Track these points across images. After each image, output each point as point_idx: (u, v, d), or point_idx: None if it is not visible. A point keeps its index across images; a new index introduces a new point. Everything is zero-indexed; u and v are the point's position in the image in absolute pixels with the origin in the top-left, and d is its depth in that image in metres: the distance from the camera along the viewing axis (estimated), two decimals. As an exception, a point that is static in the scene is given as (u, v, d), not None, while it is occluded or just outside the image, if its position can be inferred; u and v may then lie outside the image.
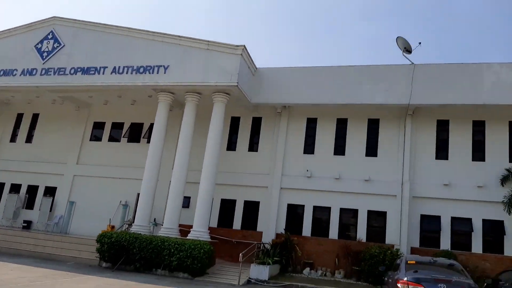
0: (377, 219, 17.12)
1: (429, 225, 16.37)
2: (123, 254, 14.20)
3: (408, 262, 9.55)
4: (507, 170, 15.66)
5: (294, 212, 18.04)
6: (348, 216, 17.47)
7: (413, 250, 15.79)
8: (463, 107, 16.19)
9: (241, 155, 19.44)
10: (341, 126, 18.62)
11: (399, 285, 8.58)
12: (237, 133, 19.94)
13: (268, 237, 17.25)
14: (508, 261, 14.74)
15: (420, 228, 16.44)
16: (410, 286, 8.41)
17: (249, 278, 13.99)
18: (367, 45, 57.77)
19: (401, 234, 16.15)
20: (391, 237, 16.45)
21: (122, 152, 21.02)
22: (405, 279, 8.56)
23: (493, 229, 15.79)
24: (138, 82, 17.55)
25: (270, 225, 17.67)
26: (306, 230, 17.56)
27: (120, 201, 19.86)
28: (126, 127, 21.51)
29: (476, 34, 55.58)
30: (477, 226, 15.85)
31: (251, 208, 18.59)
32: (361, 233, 16.92)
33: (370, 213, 17.18)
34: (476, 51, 56.72)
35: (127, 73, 17.78)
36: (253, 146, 19.60)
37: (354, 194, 17.41)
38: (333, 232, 17.25)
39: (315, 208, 17.82)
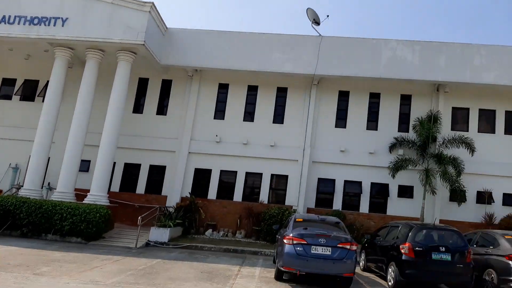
0: (280, 182, 18.00)
1: (325, 188, 17.66)
2: (9, 219, 13.15)
3: (296, 220, 10.19)
4: (395, 138, 17.31)
5: (201, 176, 18.15)
6: (253, 179, 18.09)
7: (309, 210, 16.95)
8: (363, 79, 17.35)
9: (148, 118, 18.81)
10: (252, 93, 18.87)
11: (285, 240, 9.14)
12: (145, 95, 19.18)
13: (173, 201, 17.22)
14: (389, 219, 16.52)
15: (317, 190, 17.67)
16: (294, 241, 9.00)
17: (148, 241, 13.92)
18: (285, 14, 58.56)
19: (299, 196, 17.21)
20: (290, 199, 17.45)
21: (14, 111, 19.09)
22: (291, 235, 9.15)
23: (379, 192, 17.55)
24: (32, 34, 15.94)
25: (176, 189, 17.62)
26: (212, 193, 17.85)
27: (10, 164, 18.18)
28: (18, 83, 19.45)
29: (385, 10, 59.31)
30: (366, 188, 17.48)
31: (157, 173, 18.31)
32: (264, 195, 17.70)
33: (274, 176, 17.98)
34: (382, 27, 60.68)
35: (19, 23, 16.02)
36: (162, 109, 19.05)
37: (260, 159, 18.00)
38: (238, 195, 17.78)
39: (222, 172, 18.12)
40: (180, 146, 18.14)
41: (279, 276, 9.54)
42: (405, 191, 17.37)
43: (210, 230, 16.36)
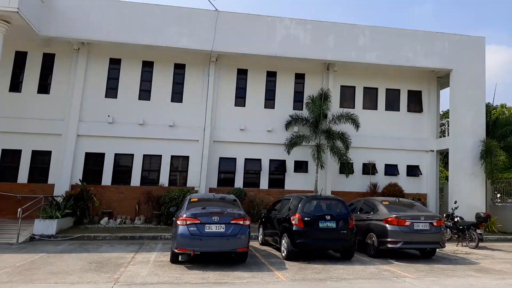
0: (180, 163, 17.57)
1: (226, 167, 17.75)
2: None
3: (191, 200, 10.01)
4: (291, 116, 18.00)
5: (94, 161, 16.84)
6: (152, 162, 17.35)
7: (211, 190, 16.91)
8: (259, 57, 17.53)
9: (28, 97, 16.73)
10: (147, 69, 17.88)
11: (178, 222, 8.92)
12: (24, 72, 16.97)
13: (61, 190, 15.71)
14: (287, 194, 17.36)
15: (219, 170, 17.68)
16: (188, 222, 8.83)
17: (33, 234, 12.55)
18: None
19: (201, 177, 17.04)
20: (192, 180, 17.20)
21: None
22: (184, 215, 8.95)
23: (277, 168, 18.23)
24: None
25: (64, 176, 16.10)
26: (107, 179, 16.71)
27: None
28: None
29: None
30: (265, 165, 18.01)
31: (42, 159, 16.50)
32: (164, 178, 17.14)
33: (174, 158, 17.47)
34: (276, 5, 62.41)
35: None
36: (45, 87, 17.08)
37: (158, 140, 17.29)
38: (136, 179, 16.94)
39: (117, 156, 17.02)
40: (67, 128, 16.52)
41: (174, 259, 9.33)
42: (301, 166, 18.30)
43: (106, 219, 15.35)
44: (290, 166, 18.20)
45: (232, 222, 8.92)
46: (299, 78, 18.87)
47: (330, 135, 16.92)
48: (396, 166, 19.18)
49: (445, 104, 35.13)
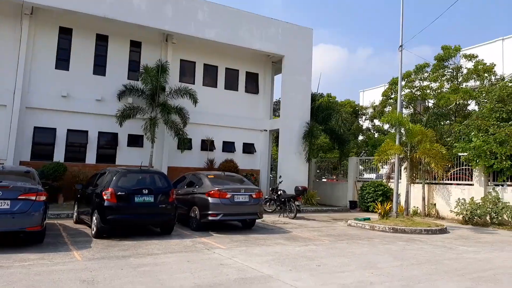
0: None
1: (44, 138, 15.39)
2: None
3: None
4: (124, 86, 16.56)
5: None
6: None
7: (23, 164, 14.38)
8: (87, 17, 15.44)
9: None
10: None
11: None
12: None
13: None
14: (118, 169, 16.08)
15: (33, 141, 15.19)
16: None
17: None
18: None
19: (8, 148, 14.31)
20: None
21: None
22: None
23: (108, 141, 16.66)
24: None
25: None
26: None
27: None
28: None
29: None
30: (93, 138, 16.25)
31: None
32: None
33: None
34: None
35: None
36: None
37: None
38: None
39: None
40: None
41: None
42: (135, 140, 17.14)
43: None
44: (123, 140, 16.84)
45: (20, 197, 7.43)
46: (135, 46, 17.47)
47: (165, 109, 16.14)
48: (233, 143, 19.68)
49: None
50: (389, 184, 18.00)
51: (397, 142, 13.85)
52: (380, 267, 7.23)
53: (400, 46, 13.95)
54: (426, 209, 16.65)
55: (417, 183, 17.08)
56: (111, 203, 8.91)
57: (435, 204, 16.60)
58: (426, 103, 23.18)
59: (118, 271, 6.29)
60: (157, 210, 9.49)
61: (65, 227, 10.63)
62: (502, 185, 14.25)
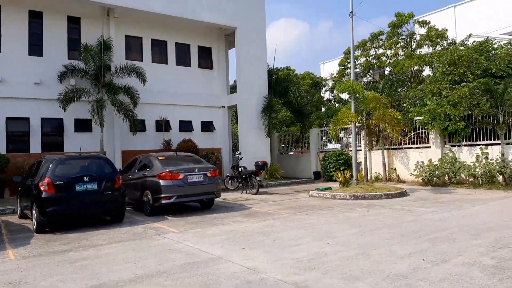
0: None
1: (-22, 129, 14.06)
2: None
3: None
4: (65, 66, 15.34)
5: None
6: None
7: (-44, 160, 13.15)
8: (17, -8, 14.04)
9: None
10: None
11: None
12: None
13: None
14: (66, 157, 15.06)
15: (-35, 133, 13.88)
16: None
17: None
18: None
19: None
20: None
21: None
22: None
23: (53, 128, 15.52)
24: None
25: None
26: None
27: None
28: None
29: None
30: (36, 125, 15.08)
31: None
32: None
33: None
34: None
35: None
36: None
37: None
38: None
39: None
40: None
41: None
42: (83, 125, 16.09)
43: None
44: (69, 125, 15.75)
45: None
46: (74, 22, 16.15)
47: (111, 89, 15.11)
48: (190, 122, 18.96)
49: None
50: (350, 152, 18.01)
51: (352, 110, 13.67)
52: (337, 236, 7.01)
53: (351, 12, 13.58)
54: (387, 174, 16.82)
55: (377, 149, 17.18)
56: (49, 194, 8.14)
57: (395, 169, 16.79)
58: (383, 71, 23.24)
59: (52, 268, 5.68)
60: (102, 198, 8.80)
61: (8, 223, 9.82)
62: (458, 146, 14.50)
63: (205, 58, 19.64)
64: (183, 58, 18.89)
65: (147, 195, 10.32)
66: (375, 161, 17.39)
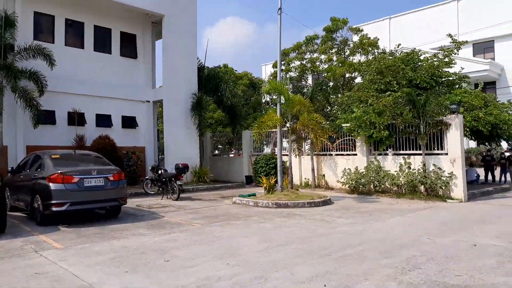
0: None
1: None
2: None
3: None
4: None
5: None
6: None
7: None
8: None
9: None
10: None
11: None
12: None
13: None
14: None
15: None
16: None
17: None
18: None
19: None
20: None
21: None
22: None
23: None
24: None
25: None
26: None
27: None
28: None
29: None
30: None
31: None
32: None
33: None
34: None
35: None
36: None
37: None
38: None
39: None
40: None
41: None
42: (-23, 114, 13.87)
43: None
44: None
45: None
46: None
47: (12, 73, 13.09)
48: (109, 116, 17.31)
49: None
50: (283, 157, 17.52)
51: (278, 113, 13.08)
52: (241, 254, 6.21)
53: (279, 9, 12.98)
54: (316, 180, 16.53)
55: (307, 154, 16.85)
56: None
57: (324, 175, 16.55)
58: (317, 76, 23.20)
59: None
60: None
61: None
62: (384, 154, 14.51)
63: (129, 46, 18.03)
64: (102, 43, 17.15)
65: (37, 201, 8.82)
66: (304, 167, 17.04)
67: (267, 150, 20.82)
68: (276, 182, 13.33)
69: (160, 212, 10.89)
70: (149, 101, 18.45)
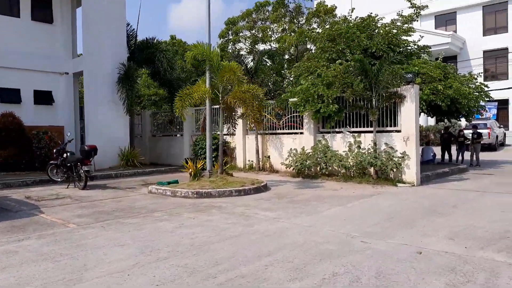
0: None
1: None
2: None
3: None
4: None
5: None
6: None
7: None
8: None
9: None
10: None
11: None
12: None
13: None
14: None
15: None
16: None
17: None
18: None
19: None
20: None
21: None
22: None
23: None
24: None
25: None
26: None
27: None
28: None
29: None
30: None
31: None
32: None
33: None
34: None
35: None
36: None
37: None
38: None
39: None
40: None
41: None
42: None
43: None
44: None
45: None
46: None
47: None
48: (18, 90, 14.65)
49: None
50: (226, 137, 15.50)
51: (207, 83, 10.92)
52: (85, 279, 4.16)
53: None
54: (260, 162, 14.67)
55: (251, 134, 14.93)
56: None
57: (269, 157, 14.71)
58: (270, 48, 21.07)
59: None
60: None
61: None
62: (333, 132, 12.75)
63: (43, 9, 15.22)
64: (8, 5, 14.31)
65: None
66: (249, 148, 15.13)
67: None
68: (205, 166, 11.29)
69: (47, 205, 8.66)
70: (68, 73, 15.78)
